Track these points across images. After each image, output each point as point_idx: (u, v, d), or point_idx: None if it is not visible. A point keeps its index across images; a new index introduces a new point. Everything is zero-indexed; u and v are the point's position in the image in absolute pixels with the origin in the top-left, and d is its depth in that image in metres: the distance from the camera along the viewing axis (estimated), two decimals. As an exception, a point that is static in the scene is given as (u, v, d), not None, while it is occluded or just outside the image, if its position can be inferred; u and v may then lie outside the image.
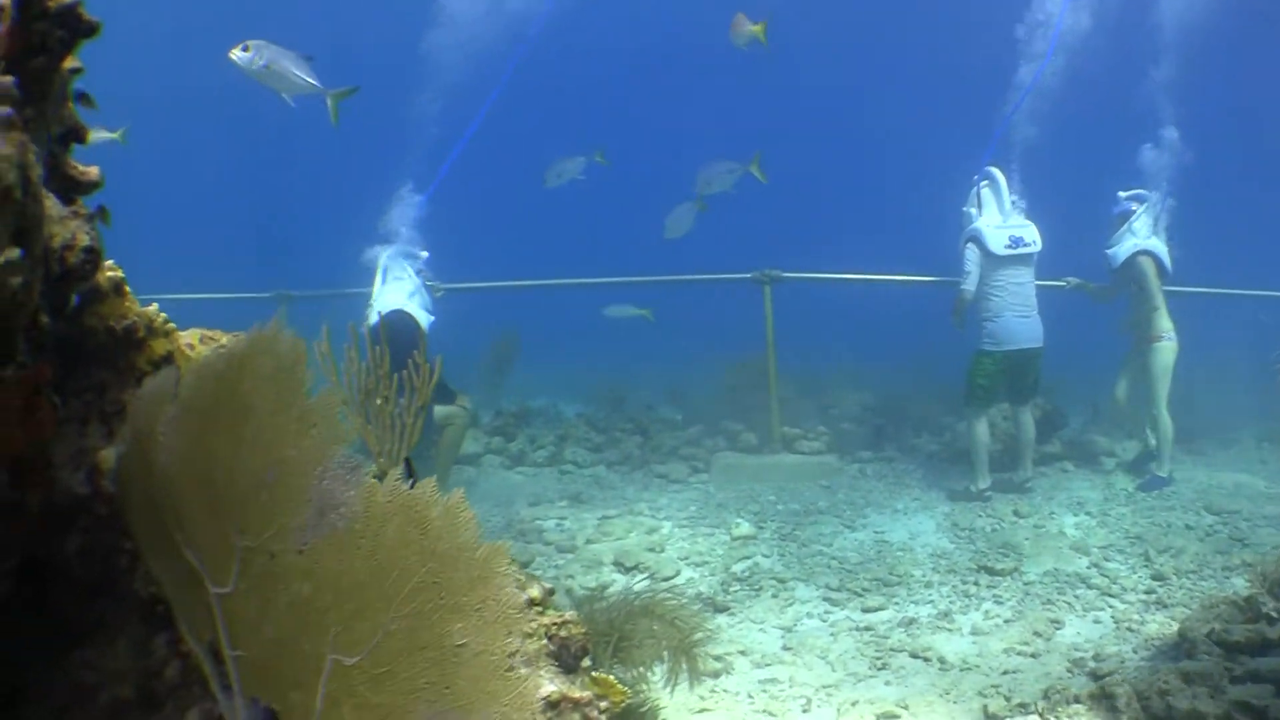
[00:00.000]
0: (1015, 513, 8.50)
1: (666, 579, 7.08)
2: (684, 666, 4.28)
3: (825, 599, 6.59)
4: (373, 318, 8.68)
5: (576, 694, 3.28)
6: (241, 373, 2.51)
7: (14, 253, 1.96)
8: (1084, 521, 8.26)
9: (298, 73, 8.24)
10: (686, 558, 7.60)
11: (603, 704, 3.37)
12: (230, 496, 2.49)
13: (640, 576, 7.16)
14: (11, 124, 1.95)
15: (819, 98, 36.50)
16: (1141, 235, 9.80)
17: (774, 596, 6.69)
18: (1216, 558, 7.16)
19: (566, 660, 3.50)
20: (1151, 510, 8.57)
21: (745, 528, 8.26)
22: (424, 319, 8.81)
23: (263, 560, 2.46)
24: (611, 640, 4.22)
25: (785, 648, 5.75)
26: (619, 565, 7.38)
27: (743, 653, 5.64)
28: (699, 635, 4.36)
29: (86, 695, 2.72)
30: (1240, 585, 6.35)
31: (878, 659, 5.49)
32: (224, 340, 3.20)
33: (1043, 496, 9.12)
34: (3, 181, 1.92)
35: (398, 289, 9.03)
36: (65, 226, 2.56)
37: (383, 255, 9.48)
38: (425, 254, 9.76)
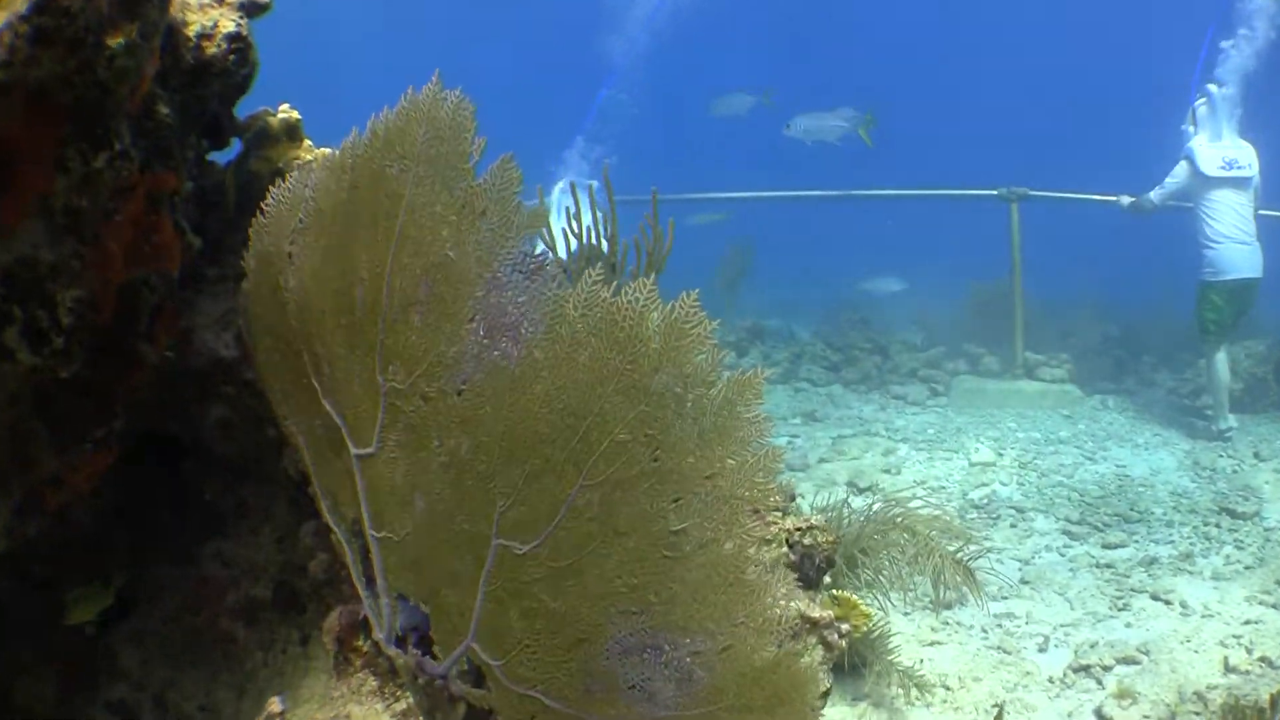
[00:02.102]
0: (1256, 455, 8.14)
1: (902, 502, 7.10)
2: (956, 583, 4.16)
3: (1064, 532, 6.48)
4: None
5: (816, 613, 2.98)
6: (387, 151, 1.90)
7: None
8: (1324, 468, 7.86)
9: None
10: (923, 481, 7.58)
11: (843, 627, 3.23)
12: (373, 320, 1.92)
13: (874, 498, 7.21)
14: None
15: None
16: None
17: (1012, 526, 6.62)
18: None
19: (808, 573, 3.20)
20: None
21: (985, 453, 8.18)
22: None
23: (414, 407, 1.90)
24: (852, 554, 4.14)
25: (1023, 581, 5.69)
26: (853, 485, 7.40)
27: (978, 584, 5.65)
28: (972, 548, 4.29)
29: (211, 596, 2.39)
30: None
31: (1118, 598, 5.39)
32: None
33: (1282, 441, 8.75)
34: None
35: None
36: (205, 14, 2.15)
37: (555, 189, 9.63)
38: (594, 184, 9.80)
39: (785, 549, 3.16)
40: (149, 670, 2.37)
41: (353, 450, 1.98)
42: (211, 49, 2.15)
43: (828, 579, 3.52)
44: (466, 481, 1.86)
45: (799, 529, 3.20)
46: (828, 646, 3.04)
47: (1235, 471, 7.76)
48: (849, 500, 6.17)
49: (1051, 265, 12.94)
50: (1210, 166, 8.78)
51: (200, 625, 2.38)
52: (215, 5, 2.19)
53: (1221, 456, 8.16)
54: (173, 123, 2.02)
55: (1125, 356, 11.35)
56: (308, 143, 2.60)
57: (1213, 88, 8.92)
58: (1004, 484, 7.51)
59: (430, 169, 1.87)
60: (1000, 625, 5.12)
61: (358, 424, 1.98)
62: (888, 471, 7.77)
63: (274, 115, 2.54)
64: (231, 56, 2.18)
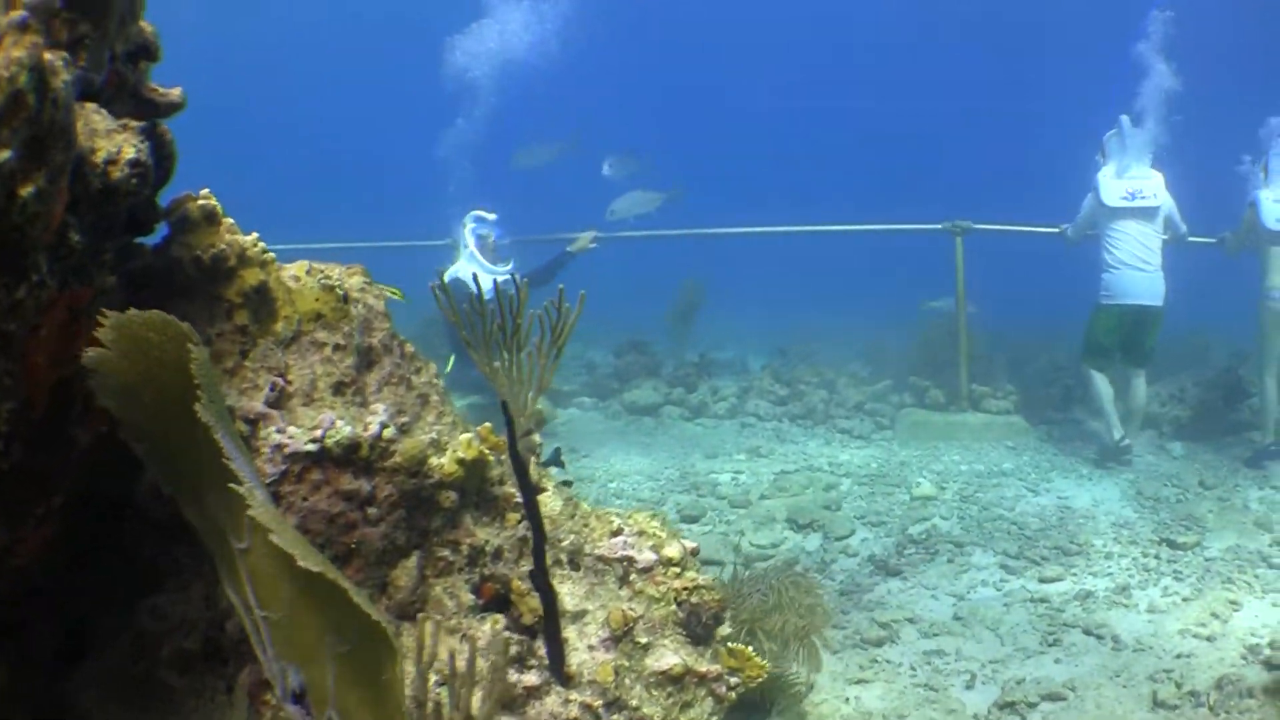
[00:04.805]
0: (1201, 484, 8.15)
1: (840, 538, 7.03)
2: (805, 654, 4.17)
3: (1002, 566, 6.43)
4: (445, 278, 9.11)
5: (703, 668, 3.16)
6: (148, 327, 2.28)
7: (3, 154, 1.79)
8: (1268, 496, 7.83)
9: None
10: (863, 517, 7.52)
11: (733, 679, 3.23)
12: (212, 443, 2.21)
13: (813, 535, 7.15)
14: (26, 27, 1.82)
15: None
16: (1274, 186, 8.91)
17: (949, 561, 6.56)
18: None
19: (695, 629, 3.35)
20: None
21: (926, 488, 8.13)
22: (486, 280, 9.01)
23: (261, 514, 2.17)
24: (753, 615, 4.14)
25: (956, 617, 5.63)
26: (792, 522, 7.35)
27: (910, 620, 5.55)
28: (821, 625, 4.28)
29: (148, 648, 2.58)
30: None
31: (1050, 634, 5.33)
32: (334, 274, 2.96)
33: (1228, 468, 8.72)
34: (13, 85, 1.77)
35: (463, 257, 9.49)
36: (111, 140, 2.32)
37: (459, 225, 9.81)
38: (493, 216, 9.94)
39: (674, 607, 3.33)
40: (105, 713, 2.55)
41: (234, 545, 2.21)
42: (117, 174, 2.30)
43: (728, 629, 3.49)
44: (298, 583, 2.12)
45: (686, 589, 3.36)
46: (717, 699, 3.07)
47: (1179, 501, 7.74)
48: (782, 542, 6.09)
49: (1001, 296, 12.96)
50: (1112, 197, 8.98)
51: (141, 674, 2.59)
52: (120, 130, 2.34)
53: (1166, 486, 8.13)
54: (84, 247, 2.24)
55: (1073, 385, 11.34)
56: (228, 222, 2.76)
57: (1124, 119, 9.00)
58: (944, 518, 7.45)
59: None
60: (929, 663, 5.05)
61: (233, 522, 2.21)
62: (828, 508, 7.69)
63: (195, 200, 2.71)
64: (134, 180, 2.34)
